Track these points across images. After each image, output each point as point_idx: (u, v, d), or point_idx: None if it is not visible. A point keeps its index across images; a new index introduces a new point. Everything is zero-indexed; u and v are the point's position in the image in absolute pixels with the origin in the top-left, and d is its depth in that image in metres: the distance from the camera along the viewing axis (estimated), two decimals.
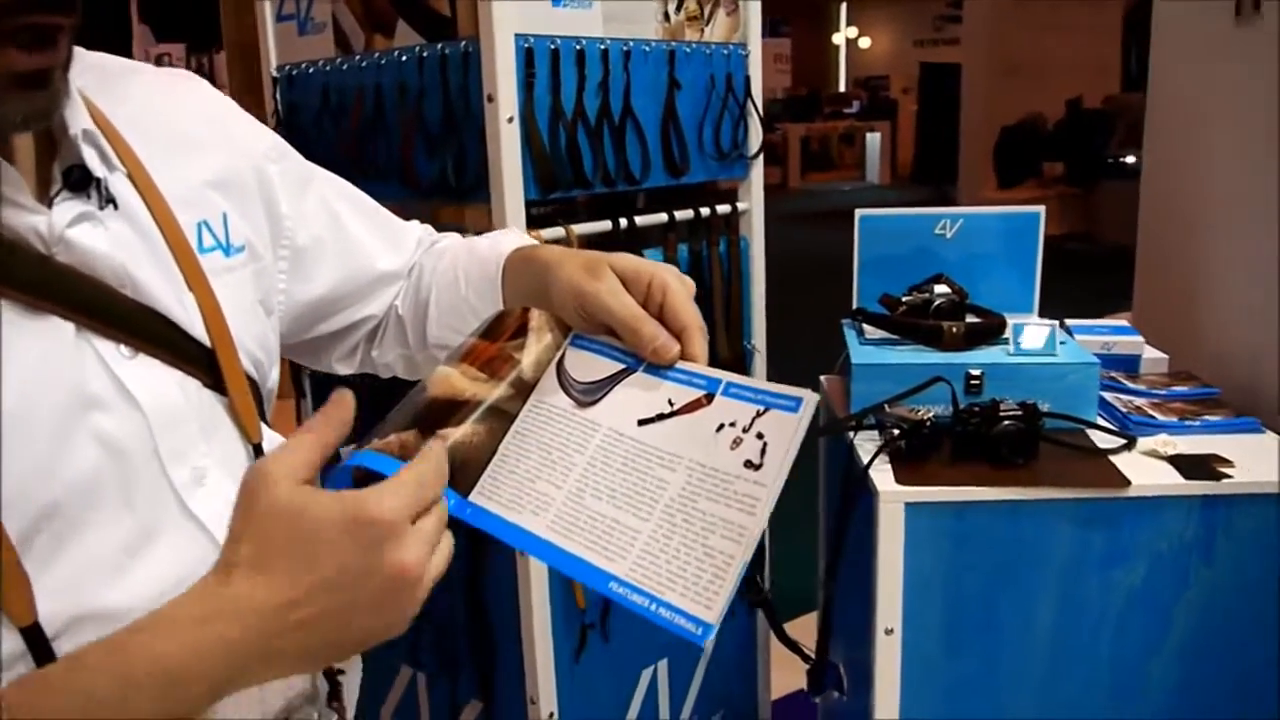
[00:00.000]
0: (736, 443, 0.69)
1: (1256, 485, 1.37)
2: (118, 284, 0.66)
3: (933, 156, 10.46)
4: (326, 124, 1.75)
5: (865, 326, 1.84)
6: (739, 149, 1.89)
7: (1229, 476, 1.38)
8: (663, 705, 1.88)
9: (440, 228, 1.06)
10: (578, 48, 1.59)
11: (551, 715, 1.67)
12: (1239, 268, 1.81)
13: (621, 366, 0.78)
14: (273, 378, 0.86)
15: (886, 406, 1.52)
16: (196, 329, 0.71)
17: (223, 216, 0.78)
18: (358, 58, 1.70)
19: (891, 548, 1.40)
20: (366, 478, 0.65)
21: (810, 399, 0.68)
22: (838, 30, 20.58)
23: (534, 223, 1.57)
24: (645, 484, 0.71)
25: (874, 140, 16.82)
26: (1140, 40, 10.03)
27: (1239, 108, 1.84)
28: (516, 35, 1.50)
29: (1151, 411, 1.61)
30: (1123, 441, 1.50)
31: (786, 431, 0.68)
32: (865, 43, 20.68)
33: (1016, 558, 1.42)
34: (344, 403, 0.61)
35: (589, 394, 0.77)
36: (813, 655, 1.79)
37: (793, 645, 1.91)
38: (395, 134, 1.64)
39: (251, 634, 0.54)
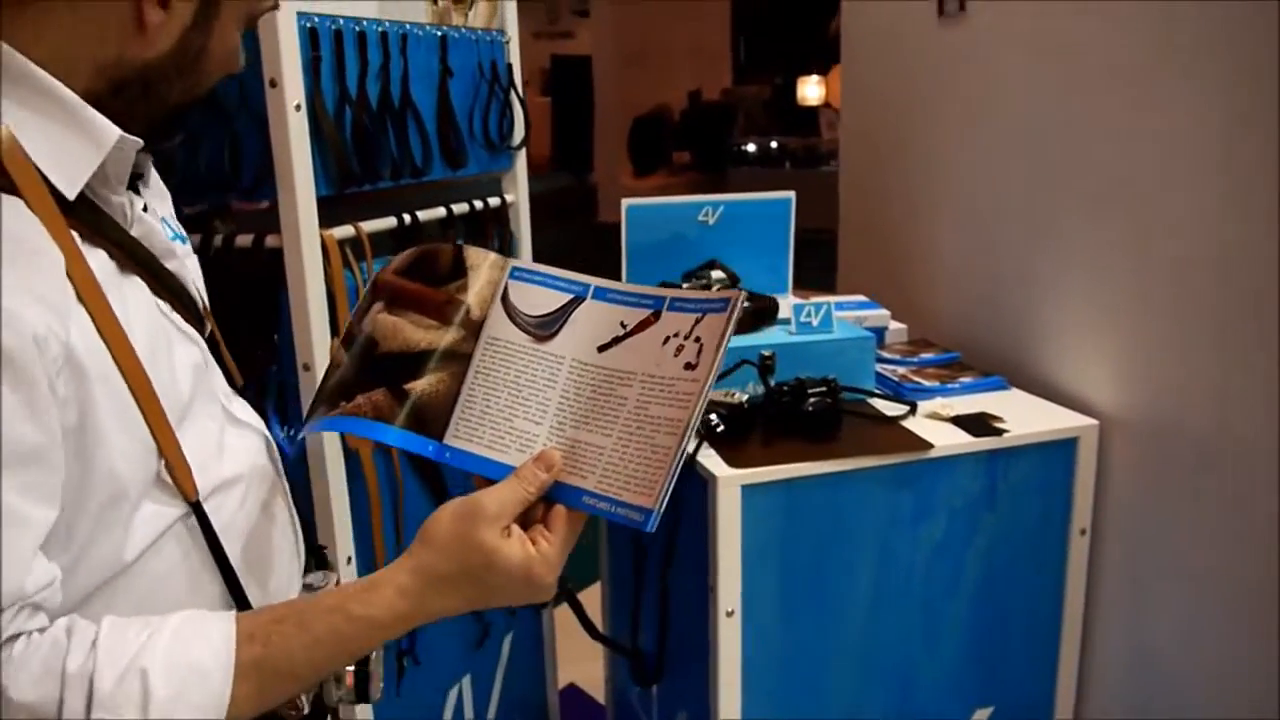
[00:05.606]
0: (679, 350, 0.76)
1: (1028, 437, 1.55)
2: (166, 258, 0.81)
3: (569, 147, 10.72)
4: None
5: None
6: (506, 140, 1.83)
7: (1007, 431, 1.55)
8: None
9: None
10: (358, 29, 1.46)
11: None
12: (961, 247, 2.02)
13: (570, 296, 0.82)
14: None
15: None
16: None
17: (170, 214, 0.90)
18: None
19: (730, 531, 1.43)
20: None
21: (737, 296, 0.76)
22: None
23: (324, 221, 1.43)
24: (609, 404, 0.77)
25: None
26: (746, 34, 10.88)
27: (943, 102, 2.05)
28: (299, 14, 1.35)
29: (916, 378, 1.76)
30: (907, 408, 1.63)
31: (717, 329, 0.75)
32: None
33: (839, 525, 1.50)
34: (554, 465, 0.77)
35: (544, 327, 0.82)
36: (626, 646, 1.79)
37: (608, 640, 1.90)
38: None
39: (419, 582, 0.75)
